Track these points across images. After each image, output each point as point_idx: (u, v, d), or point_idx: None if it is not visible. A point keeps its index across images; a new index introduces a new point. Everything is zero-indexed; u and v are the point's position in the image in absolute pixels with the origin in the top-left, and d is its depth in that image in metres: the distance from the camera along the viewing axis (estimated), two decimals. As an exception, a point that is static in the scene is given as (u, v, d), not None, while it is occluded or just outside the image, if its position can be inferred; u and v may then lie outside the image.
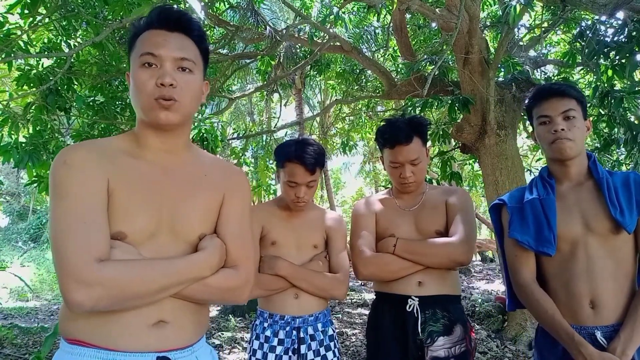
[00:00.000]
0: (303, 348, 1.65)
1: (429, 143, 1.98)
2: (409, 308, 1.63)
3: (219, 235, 1.10)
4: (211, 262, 1.04)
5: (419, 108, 4.20)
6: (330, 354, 1.70)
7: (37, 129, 3.76)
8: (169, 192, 1.04)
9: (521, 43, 5.73)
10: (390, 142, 1.71)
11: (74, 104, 3.78)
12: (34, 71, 3.68)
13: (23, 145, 3.53)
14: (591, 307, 1.33)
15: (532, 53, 6.16)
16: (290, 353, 1.65)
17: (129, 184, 1.00)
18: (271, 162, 7.43)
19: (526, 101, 1.56)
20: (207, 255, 1.03)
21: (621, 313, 1.31)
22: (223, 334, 5.06)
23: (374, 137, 1.85)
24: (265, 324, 1.69)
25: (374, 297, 1.85)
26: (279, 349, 1.65)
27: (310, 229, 1.77)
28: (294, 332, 1.66)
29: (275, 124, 11.94)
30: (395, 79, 6.30)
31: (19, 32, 3.42)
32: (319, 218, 1.81)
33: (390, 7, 6.00)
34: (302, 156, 1.65)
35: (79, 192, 0.94)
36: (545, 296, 1.39)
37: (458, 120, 4.84)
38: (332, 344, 1.73)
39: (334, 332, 1.76)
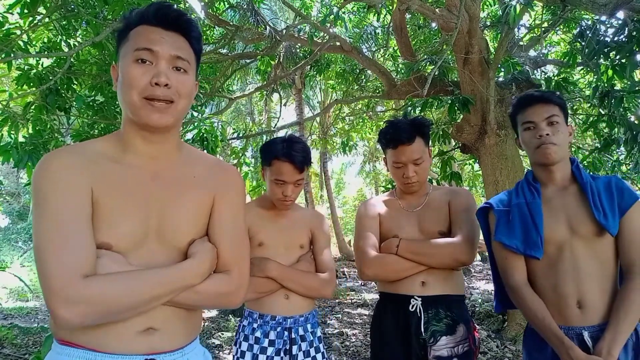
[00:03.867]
0: (294, 349, 1.65)
1: (430, 143, 1.99)
2: (411, 308, 1.64)
3: (210, 238, 1.05)
4: (201, 269, 1.00)
5: (419, 108, 4.21)
6: (319, 356, 1.71)
7: (37, 128, 3.74)
8: (156, 198, 0.99)
9: (521, 43, 5.73)
10: (393, 143, 1.72)
11: (74, 103, 3.76)
12: (34, 71, 3.66)
13: (23, 145, 3.51)
14: (578, 307, 1.37)
15: (532, 53, 6.16)
16: (282, 354, 1.64)
17: (114, 191, 0.95)
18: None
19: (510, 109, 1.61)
20: (196, 263, 0.99)
21: (606, 313, 1.35)
22: (223, 334, 5.06)
23: (377, 138, 1.86)
24: (255, 325, 1.67)
25: (377, 297, 1.85)
26: (270, 350, 1.63)
27: (297, 229, 1.76)
28: (285, 333, 1.65)
29: (275, 124, 11.94)
30: (395, 79, 6.30)
31: (18, 32, 3.42)
32: (303, 218, 1.81)
33: (390, 7, 6.00)
34: (291, 154, 1.62)
35: (61, 204, 0.89)
36: (536, 298, 1.42)
37: (458, 120, 4.85)
38: (320, 345, 1.74)
39: (321, 333, 1.77)
